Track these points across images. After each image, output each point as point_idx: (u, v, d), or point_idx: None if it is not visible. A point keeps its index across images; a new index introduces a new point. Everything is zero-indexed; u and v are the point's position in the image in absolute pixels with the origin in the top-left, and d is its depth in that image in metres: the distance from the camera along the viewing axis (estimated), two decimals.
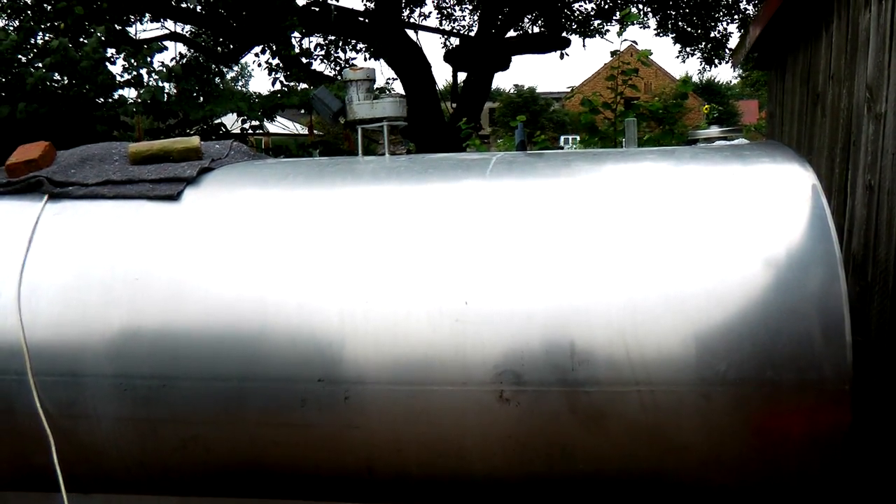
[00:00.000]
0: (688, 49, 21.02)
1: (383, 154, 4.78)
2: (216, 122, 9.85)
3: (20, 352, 3.74)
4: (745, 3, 19.18)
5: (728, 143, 4.30)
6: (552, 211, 3.66)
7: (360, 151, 4.93)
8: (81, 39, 8.65)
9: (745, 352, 3.29)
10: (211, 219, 3.94)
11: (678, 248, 3.44)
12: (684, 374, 3.31)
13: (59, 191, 4.12)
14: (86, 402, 3.74)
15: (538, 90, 56.72)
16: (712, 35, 20.14)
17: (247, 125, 9.95)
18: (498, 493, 3.58)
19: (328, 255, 3.69)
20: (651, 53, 7.68)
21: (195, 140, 4.43)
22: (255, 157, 4.77)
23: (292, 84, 13.63)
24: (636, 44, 8.13)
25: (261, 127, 10.14)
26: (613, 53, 7.90)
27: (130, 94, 9.06)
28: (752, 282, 3.34)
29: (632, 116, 4.75)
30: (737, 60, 10.09)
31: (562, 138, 26.87)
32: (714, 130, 4.45)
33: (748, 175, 3.70)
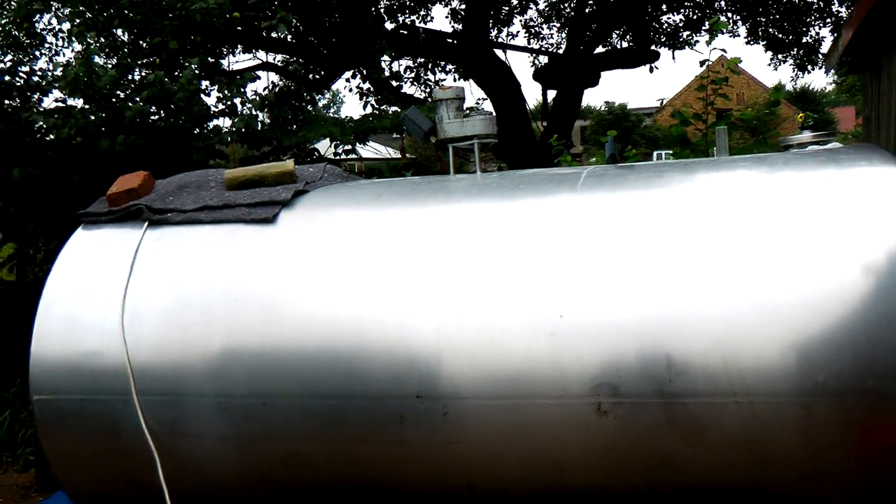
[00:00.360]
0: (779, 56, 20.62)
1: (475, 172, 4.79)
2: (310, 147, 9.99)
3: (125, 373, 3.85)
4: (837, 5, 18.74)
5: (821, 147, 4.21)
6: (644, 222, 3.64)
7: (451, 170, 4.94)
8: (177, 73, 8.88)
9: (846, 361, 3.22)
10: (306, 240, 4.00)
11: (774, 256, 3.39)
12: (783, 385, 3.26)
13: (158, 217, 4.24)
14: (188, 420, 3.83)
15: (629, 106, 56.25)
16: (804, 40, 19.68)
17: (340, 150, 10.06)
18: (599, 502, 3.56)
19: (423, 272, 3.72)
20: (741, 61, 7.55)
21: (289, 164, 4.51)
22: (349, 179, 4.85)
23: (383, 108, 13.77)
24: (726, 53, 8.01)
25: (353, 151, 10.24)
26: (703, 63, 7.80)
27: (225, 123, 9.31)
28: (851, 289, 3.28)
29: (722, 126, 4.66)
30: (830, 64, 9.90)
31: (654, 153, 26.57)
32: (806, 136, 4.36)
33: (843, 179, 3.63)
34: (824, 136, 4.36)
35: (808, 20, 19.60)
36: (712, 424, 3.32)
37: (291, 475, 3.78)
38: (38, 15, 12.98)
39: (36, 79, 9.31)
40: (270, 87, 14.03)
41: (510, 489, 3.59)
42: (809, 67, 20.29)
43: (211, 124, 9.19)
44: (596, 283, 3.49)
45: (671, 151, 4.00)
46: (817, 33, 19.73)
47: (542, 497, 3.59)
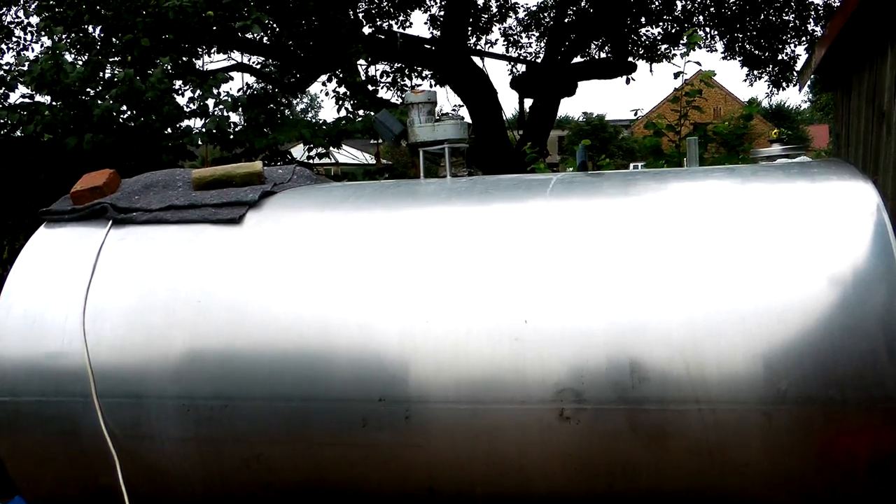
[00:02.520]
0: (755, 72, 20.78)
1: (445, 176, 4.77)
2: (282, 150, 9.92)
3: (85, 374, 3.80)
4: (812, 24, 18.93)
5: (790, 161, 4.23)
6: (613, 229, 3.63)
7: (421, 174, 4.92)
8: (149, 72, 8.79)
9: (807, 370, 3.22)
10: (273, 241, 3.97)
11: (741, 265, 3.39)
12: (745, 393, 3.26)
13: (122, 217, 4.20)
14: (150, 422, 3.78)
15: (607, 118, 56.41)
16: (780, 58, 19.86)
17: (314, 153, 9.99)
18: None
19: (389, 276, 3.70)
20: (715, 74, 7.60)
21: (258, 165, 4.48)
22: (318, 182, 4.82)
23: (358, 112, 13.71)
24: (701, 65, 8.07)
25: (327, 155, 10.17)
26: (676, 76, 7.85)
27: (196, 124, 9.23)
28: (815, 299, 3.29)
29: (694, 137, 4.67)
30: (803, 82, 9.97)
31: (631, 165, 26.65)
32: (776, 149, 4.38)
33: (811, 192, 3.64)
34: (793, 149, 4.37)
35: (785, 38, 19.82)
36: (674, 431, 3.31)
37: (254, 478, 3.74)
38: (5, 7, 12.88)
39: (1, 73, 9.20)
40: (245, 89, 13.96)
41: (472, 494, 3.57)
42: (784, 84, 20.49)
43: (182, 125, 9.10)
44: (562, 288, 3.48)
45: (639, 165, 4.01)
46: (793, 51, 19.96)
47: (504, 501, 3.56)
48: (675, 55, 20.50)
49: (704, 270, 3.41)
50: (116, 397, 3.81)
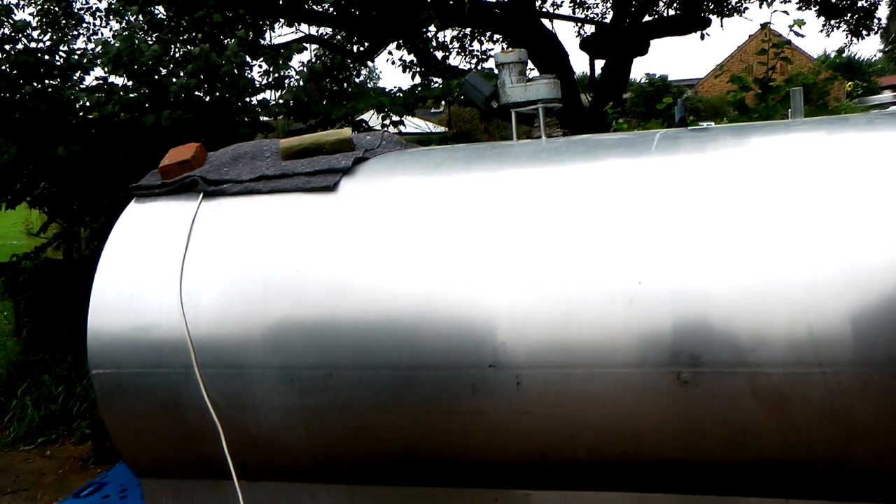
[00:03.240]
0: (832, 21, 20.16)
1: (539, 138, 4.63)
2: (358, 119, 9.81)
3: (184, 346, 3.77)
4: None
5: None
6: (724, 185, 3.48)
7: (514, 136, 4.78)
8: (225, 42, 8.72)
9: None
10: (369, 208, 3.89)
11: (862, 220, 3.22)
12: (870, 354, 3.10)
13: (213, 189, 4.15)
14: (252, 392, 3.75)
15: (670, 78, 55.41)
16: (859, 4, 19.25)
17: (387, 122, 9.86)
18: (672, 478, 3.44)
19: (494, 239, 3.60)
20: (804, 23, 7.33)
21: (347, 131, 4.39)
22: (407, 147, 4.72)
23: (430, 79, 13.55)
24: (787, 13, 7.77)
25: (402, 123, 10.03)
26: (764, 26, 7.59)
27: (272, 97, 9.14)
28: None
29: (799, 87, 4.45)
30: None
31: (703, 125, 25.95)
32: (888, 96, 4.17)
33: None
34: None
35: None
36: (796, 395, 3.17)
37: (360, 448, 3.69)
38: None
39: (76, 57, 9.21)
40: (314, 59, 13.88)
41: (583, 460, 3.47)
42: (864, 33, 19.76)
43: (257, 98, 9.04)
44: (675, 248, 3.34)
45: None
46: None
47: (617, 469, 3.46)
48: (746, 8, 19.93)
49: (825, 225, 3.24)
50: (217, 367, 3.78)
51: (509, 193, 3.75)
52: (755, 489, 3.38)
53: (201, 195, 4.15)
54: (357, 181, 4.02)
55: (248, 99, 8.89)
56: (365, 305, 3.60)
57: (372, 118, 10.42)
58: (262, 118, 8.93)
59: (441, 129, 23.52)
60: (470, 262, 3.55)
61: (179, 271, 3.90)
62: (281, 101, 8.84)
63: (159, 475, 4.10)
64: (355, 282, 3.65)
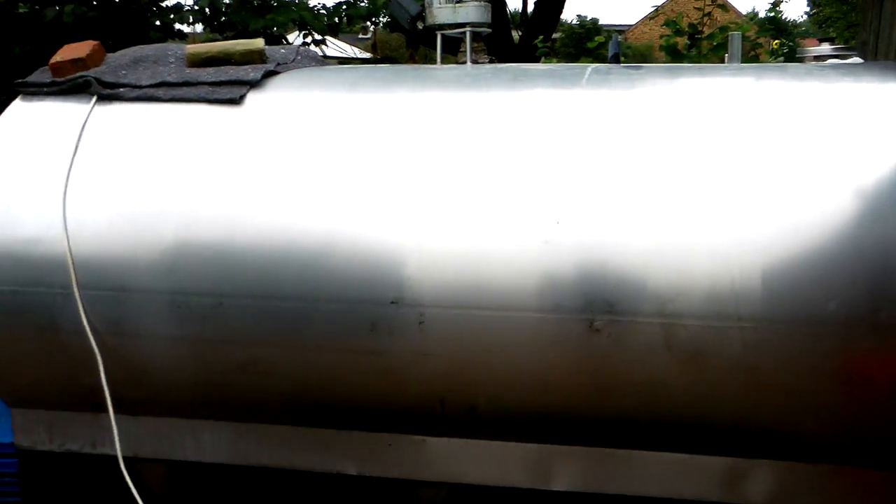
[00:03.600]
0: None
1: (465, 63, 4.37)
2: (279, 36, 9.37)
3: (64, 263, 3.45)
4: None
5: (841, 62, 3.87)
6: (654, 126, 3.28)
7: (439, 59, 4.52)
8: None
9: (860, 287, 2.93)
10: (276, 125, 3.60)
11: (795, 171, 3.07)
12: (794, 312, 2.96)
13: (108, 92, 3.80)
14: (137, 319, 3.46)
15: (600, 22, 55.56)
16: None
17: (309, 40, 9.45)
18: (579, 430, 3.28)
19: (408, 164, 3.36)
20: None
21: (259, 42, 4.08)
22: (324, 65, 4.42)
23: None
24: None
25: (324, 43, 9.62)
26: None
27: (187, 1, 8.66)
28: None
29: (738, 32, 4.26)
30: None
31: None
32: (826, 48, 4.01)
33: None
34: (844, 50, 4.01)
35: None
36: (711, 350, 3.02)
37: (250, 384, 3.44)
38: None
39: None
40: None
41: (485, 408, 3.29)
42: None
43: (171, 2, 8.55)
44: (598, 189, 3.14)
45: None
46: None
47: (520, 419, 3.29)
48: None
49: (757, 176, 3.08)
50: (100, 290, 3.47)
51: (427, 119, 3.50)
52: (664, 444, 3.25)
53: (94, 98, 3.79)
54: (265, 96, 3.72)
55: (161, 2, 8.40)
56: (263, 229, 3.34)
57: (297, 40, 10.01)
58: (176, 25, 8.45)
59: (367, 55, 23.06)
60: (378, 191, 3.31)
61: (65, 181, 3.56)
62: (196, 8, 8.39)
63: (32, 405, 3.78)
64: (253, 203, 3.37)
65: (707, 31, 7.31)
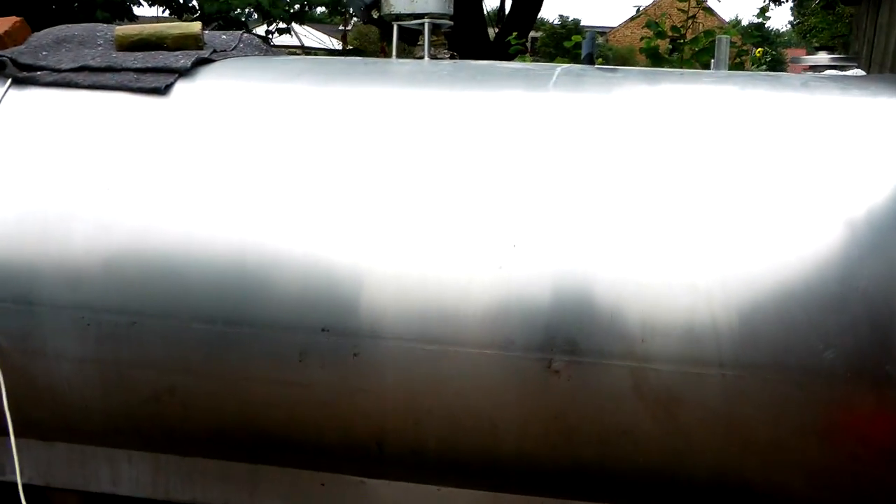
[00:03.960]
0: None
1: (423, 57, 3.96)
2: (241, 23, 8.87)
3: None
4: None
5: (841, 73, 3.48)
6: (631, 136, 2.88)
7: (394, 52, 4.11)
8: None
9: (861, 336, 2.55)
10: (204, 120, 3.19)
11: (791, 195, 2.69)
12: (785, 358, 2.57)
13: (24, 75, 3.38)
14: (43, 336, 3.05)
15: (582, 23, 55.62)
16: None
17: (273, 28, 8.95)
18: (534, 479, 2.90)
19: (346, 171, 2.95)
20: None
21: (195, 26, 3.67)
22: (270, 54, 4.01)
23: None
24: None
25: (289, 31, 9.13)
26: None
27: None
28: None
29: (726, 35, 3.88)
30: None
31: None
32: (823, 57, 3.61)
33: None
34: (843, 60, 3.62)
35: None
36: (687, 398, 2.64)
37: (166, 413, 3.04)
38: None
39: None
40: None
41: (430, 451, 2.90)
42: None
43: None
44: (562, 208, 2.74)
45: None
46: None
47: (469, 463, 2.91)
48: None
49: (742, 201, 2.69)
50: (2, 301, 3.07)
51: (371, 120, 3.09)
52: (631, 499, 2.86)
53: (9, 82, 3.37)
54: (195, 86, 3.30)
55: None
56: (183, 240, 2.93)
57: (260, 28, 9.53)
58: (125, 3, 7.92)
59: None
60: (312, 202, 2.90)
61: None
62: None
63: None
64: (175, 210, 2.96)
65: (690, 34, 6.95)
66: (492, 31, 17.67)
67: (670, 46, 7.04)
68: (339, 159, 2.98)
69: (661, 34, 7.05)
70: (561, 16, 56.69)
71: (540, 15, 18.25)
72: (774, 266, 2.59)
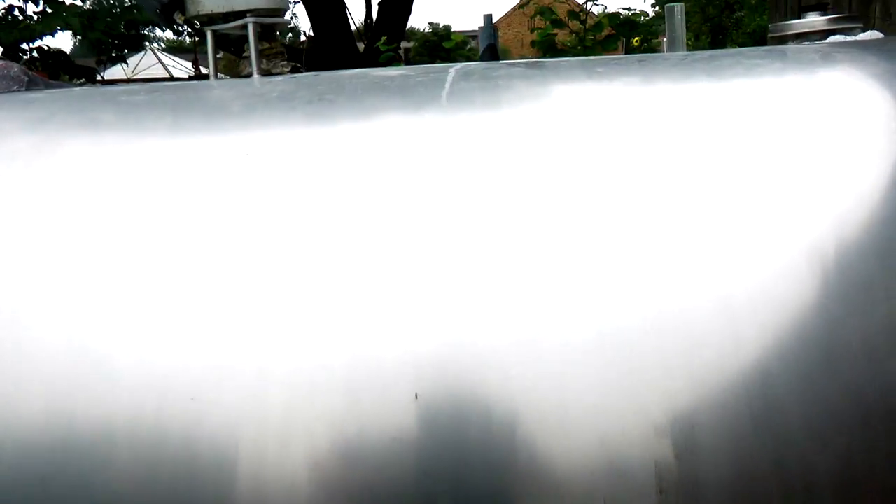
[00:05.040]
0: None
1: (249, 74, 2.72)
2: (54, 50, 7.47)
3: None
4: None
5: (849, 38, 2.45)
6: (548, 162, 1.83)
7: (212, 71, 2.87)
8: None
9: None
10: None
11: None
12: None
13: None
14: None
15: (453, 29, 56.16)
16: None
17: (104, 57, 7.58)
18: None
19: (106, 243, 1.83)
20: None
21: None
22: (32, 86, 2.82)
23: None
24: None
25: (122, 61, 7.81)
26: None
27: None
28: None
29: (679, 3, 2.83)
30: None
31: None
32: (817, 20, 2.55)
33: None
34: (846, 21, 2.61)
35: None
36: None
37: None
38: None
39: None
40: None
41: None
42: None
43: None
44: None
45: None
46: None
47: None
48: None
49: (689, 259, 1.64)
50: None
51: (162, 173, 1.91)
52: None
53: None
54: None
55: None
56: None
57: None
58: None
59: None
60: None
61: None
62: None
63: None
64: None
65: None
66: (362, 46, 16.53)
67: (578, 35, 6.13)
68: (96, 230, 1.81)
69: (557, 23, 6.17)
70: (431, 23, 57.10)
71: (412, 24, 17.35)
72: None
